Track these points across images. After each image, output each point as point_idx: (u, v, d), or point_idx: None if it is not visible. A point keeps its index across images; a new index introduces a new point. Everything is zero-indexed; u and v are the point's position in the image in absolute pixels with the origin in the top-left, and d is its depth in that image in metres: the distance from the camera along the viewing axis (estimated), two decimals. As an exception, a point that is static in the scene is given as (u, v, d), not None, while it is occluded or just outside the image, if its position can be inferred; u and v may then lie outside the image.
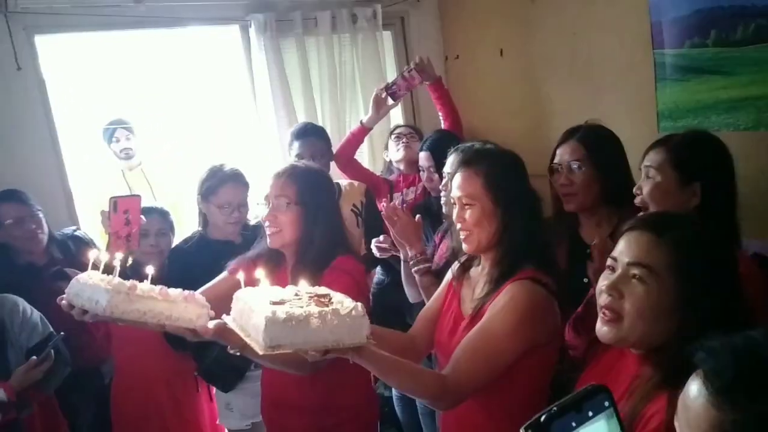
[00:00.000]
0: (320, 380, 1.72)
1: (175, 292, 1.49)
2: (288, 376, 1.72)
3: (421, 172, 2.66)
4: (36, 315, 2.19)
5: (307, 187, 1.77)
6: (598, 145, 1.82)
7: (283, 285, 1.38)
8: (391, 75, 3.63)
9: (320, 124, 3.35)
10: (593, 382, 0.75)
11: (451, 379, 1.34)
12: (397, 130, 3.11)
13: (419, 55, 2.92)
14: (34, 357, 2.05)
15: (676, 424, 0.75)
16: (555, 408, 0.70)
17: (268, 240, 1.78)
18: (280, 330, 1.15)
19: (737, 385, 0.67)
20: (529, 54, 3.19)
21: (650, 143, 1.69)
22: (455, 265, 1.63)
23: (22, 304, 2.17)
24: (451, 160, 1.91)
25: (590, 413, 0.71)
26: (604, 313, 1.10)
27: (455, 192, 1.49)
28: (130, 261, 1.94)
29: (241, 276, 1.40)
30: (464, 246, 1.50)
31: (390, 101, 2.87)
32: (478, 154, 1.51)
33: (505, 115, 3.38)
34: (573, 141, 1.83)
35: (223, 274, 1.90)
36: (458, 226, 1.49)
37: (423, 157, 2.62)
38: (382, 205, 2.31)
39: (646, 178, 1.63)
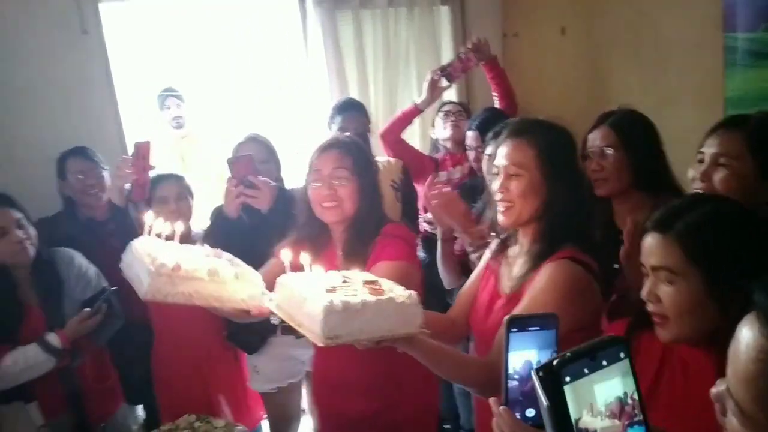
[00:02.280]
0: (382, 357, 1.58)
1: (226, 272, 1.39)
2: (345, 356, 1.58)
3: (469, 152, 2.61)
4: (92, 270, 2.29)
5: (362, 157, 1.74)
6: (630, 130, 1.77)
7: (331, 264, 1.32)
8: (447, 51, 3.57)
9: (372, 98, 3.35)
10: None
11: (496, 366, 1.30)
12: (445, 108, 3.00)
13: (476, 35, 2.84)
14: (87, 309, 2.15)
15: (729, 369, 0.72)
16: (569, 353, 0.71)
17: (323, 215, 1.71)
18: (337, 319, 1.10)
19: None
20: (593, 34, 3.07)
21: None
22: (494, 243, 1.59)
23: (78, 258, 2.27)
24: (492, 144, 1.87)
25: (604, 362, 0.72)
26: (654, 319, 1.11)
27: (501, 161, 1.43)
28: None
29: (285, 258, 1.33)
30: (501, 218, 1.44)
31: (444, 82, 2.79)
32: (531, 125, 1.45)
33: (564, 97, 3.27)
34: (605, 126, 1.79)
35: (272, 261, 1.79)
36: (498, 197, 1.43)
37: (471, 137, 2.57)
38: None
39: (715, 165, 1.50)
